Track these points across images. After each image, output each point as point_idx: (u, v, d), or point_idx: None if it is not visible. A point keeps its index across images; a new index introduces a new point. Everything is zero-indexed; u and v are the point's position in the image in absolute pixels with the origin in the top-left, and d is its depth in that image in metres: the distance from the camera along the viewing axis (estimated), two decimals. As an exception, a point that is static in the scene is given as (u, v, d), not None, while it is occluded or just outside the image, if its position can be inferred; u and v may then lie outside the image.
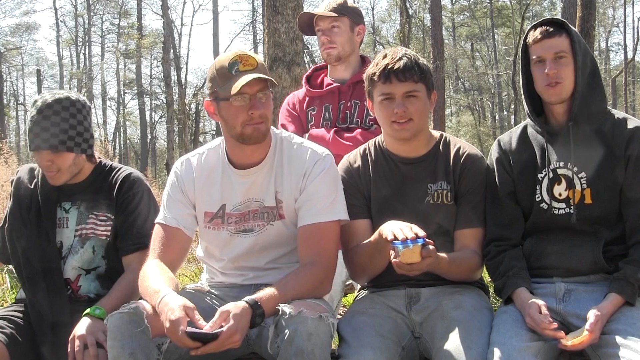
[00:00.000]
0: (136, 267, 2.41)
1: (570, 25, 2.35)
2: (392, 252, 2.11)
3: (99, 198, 2.56)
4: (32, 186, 2.59)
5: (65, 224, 2.56)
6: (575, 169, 2.33)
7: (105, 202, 2.56)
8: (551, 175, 2.37)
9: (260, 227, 2.37)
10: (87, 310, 2.35)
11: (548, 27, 2.32)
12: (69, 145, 2.48)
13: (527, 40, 2.36)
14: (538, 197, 2.38)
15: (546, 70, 2.29)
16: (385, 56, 2.40)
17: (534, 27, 2.36)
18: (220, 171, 2.39)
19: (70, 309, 2.47)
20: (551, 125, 2.40)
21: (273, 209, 2.36)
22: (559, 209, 2.35)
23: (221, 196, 2.39)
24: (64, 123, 2.47)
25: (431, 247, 2.10)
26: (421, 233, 2.08)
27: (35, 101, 2.52)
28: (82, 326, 2.29)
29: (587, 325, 2.10)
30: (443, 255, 2.20)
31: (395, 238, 2.08)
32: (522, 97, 2.44)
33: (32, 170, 2.64)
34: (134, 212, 2.55)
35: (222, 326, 1.95)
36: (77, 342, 2.24)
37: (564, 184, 2.35)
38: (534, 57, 2.33)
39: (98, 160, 2.64)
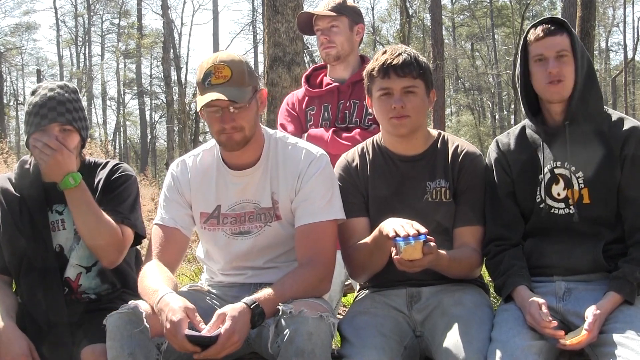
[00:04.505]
0: None
1: (570, 25, 2.35)
2: (393, 249, 2.10)
3: (90, 193, 2.54)
4: (18, 193, 2.55)
5: (62, 226, 2.54)
6: (573, 168, 2.33)
7: (97, 197, 2.55)
8: (549, 175, 2.37)
9: (257, 229, 2.37)
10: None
11: (550, 26, 2.32)
12: (78, 125, 2.49)
13: (527, 39, 2.35)
14: (538, 198, 2.38)
15: (549, 69, 2.28)
16: (384, 52, 2.41)
17: (535, 26, 2.35)
18: (215, 172, 2.39)
19: (68, 309, 2.47)
20: (548, 125, 2.40)
21: (270, 210, 2.36)
22: (558, 208, 2.35)
23: (216, 197, 2.39)
24: (74, 103, 2.50)
25: (432, 243, 2.10)
26: (422, 229, 2.08)
27: (38, 86, 2.52)
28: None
29: (585, 325, 2.10)
30: (443, 252, 2.20)
31: (397, 235, 2.08)
32: (519, 95, 2.44)
33: (9, 179, 2.60)
34: (116, 190, 2.53)
35: (220, 328, 1.95)
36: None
37: (562, 183, 2.35)
38: (535, 55, 2.33)
39: (83, 158, 2.63)
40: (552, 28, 2.31)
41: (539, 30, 2.32)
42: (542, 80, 2.32)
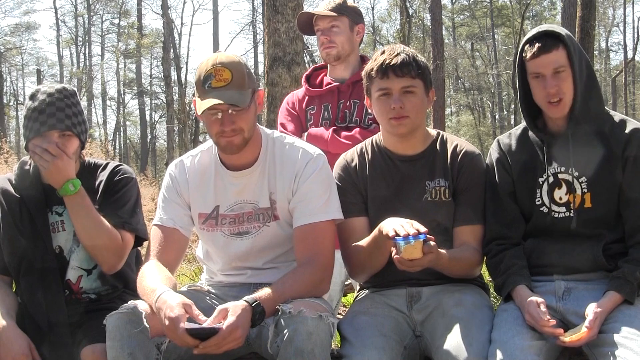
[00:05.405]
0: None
1: (563, 31, 2.30)
2: (393, 248, 2.11)
3: (90, 195, 2.55)
4: (18, 194, 2.55)
5: (61, 228, 2.54)
6: (576, 173, 2.33)
7: (96, 197, 2.55)
8: (552, 179, 2.37)
9: (256, 229, 2.37)
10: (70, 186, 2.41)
11: (545, 41, 2.26)
12: (77, 130, 2.48)
13: (523, 55, 2.31)
14: (538, 201, 2.38)
15: (547, 88, 2.26)
16: (383, 52, 2.41)
17: (530, 41, 2.30)
18: (213, 172, 2.39)
19: (68, 309, 2.47)
20: (550, 129, 2.40)
21: (268, 210, 2.36)
22: (559, 212, 2.35)
23: (215, 197, 2.39)
24: (73, 108, 2.48)
25: (432, 243, 2.10)
26: (422, 229, 2.08)
27: (37, 90, 2.50)
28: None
29: (585, 322, 2.10)
30: (443, 251, 2.20)
31: (397, 234, 2.08)
32: (520, 107, 2.42)
33: (9, 180, 2.60)
34: (117, 194, 2.53)
35: (221, 322, 1.95)
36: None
37: (564, 188, 2.35)
38: (532, 72, 2.30)
39: (82, 159, 2.63)
40: (547, 43, 2.25)
41: (535, 48, 2.26)
42: (542, 98, 2.30)
